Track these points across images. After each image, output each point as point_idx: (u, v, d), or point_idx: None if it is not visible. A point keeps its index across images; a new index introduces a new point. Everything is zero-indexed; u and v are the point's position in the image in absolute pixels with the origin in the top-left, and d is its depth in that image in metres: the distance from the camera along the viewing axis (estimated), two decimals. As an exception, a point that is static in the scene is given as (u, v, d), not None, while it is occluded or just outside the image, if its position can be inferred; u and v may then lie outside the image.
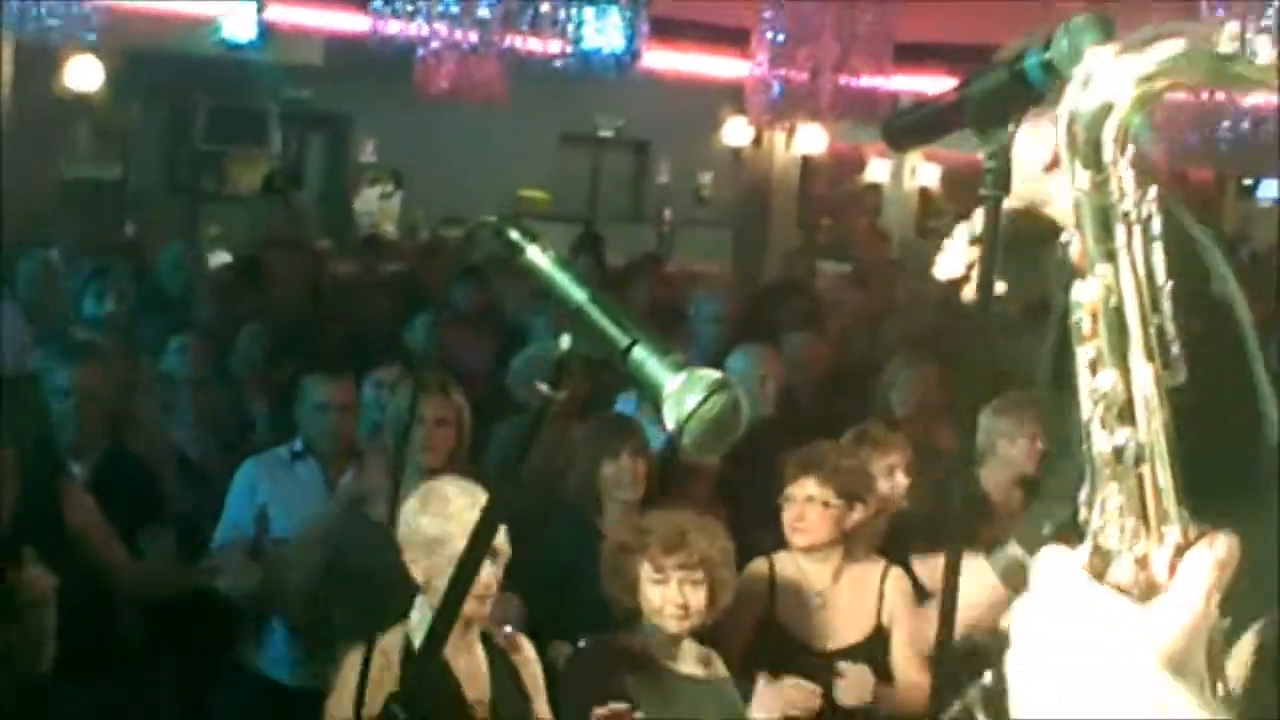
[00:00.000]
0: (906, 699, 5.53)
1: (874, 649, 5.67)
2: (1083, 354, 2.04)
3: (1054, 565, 1.91)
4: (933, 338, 9.07)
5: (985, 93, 2.64)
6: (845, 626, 5.68)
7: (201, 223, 17.89)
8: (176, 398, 7.69)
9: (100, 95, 15.17)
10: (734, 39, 15.41)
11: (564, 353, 2.33)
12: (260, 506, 6.48)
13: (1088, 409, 2.03)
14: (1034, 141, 4.04)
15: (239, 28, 14.10)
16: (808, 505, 5.59)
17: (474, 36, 12.00)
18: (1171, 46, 2.01)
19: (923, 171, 22.38)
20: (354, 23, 13.96)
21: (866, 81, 14.26)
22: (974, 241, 4.48)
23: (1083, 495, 2.03)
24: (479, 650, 4.67)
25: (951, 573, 2.78)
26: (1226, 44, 2.02)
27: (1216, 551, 1.90)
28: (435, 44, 12.26)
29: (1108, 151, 2.04)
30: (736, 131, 19.22)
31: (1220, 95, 11.73)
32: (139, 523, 6.21)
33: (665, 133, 20.86)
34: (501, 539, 4.41)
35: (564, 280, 2.32)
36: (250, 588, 6.12)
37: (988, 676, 1.87)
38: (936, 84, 16.21)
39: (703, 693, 5.00)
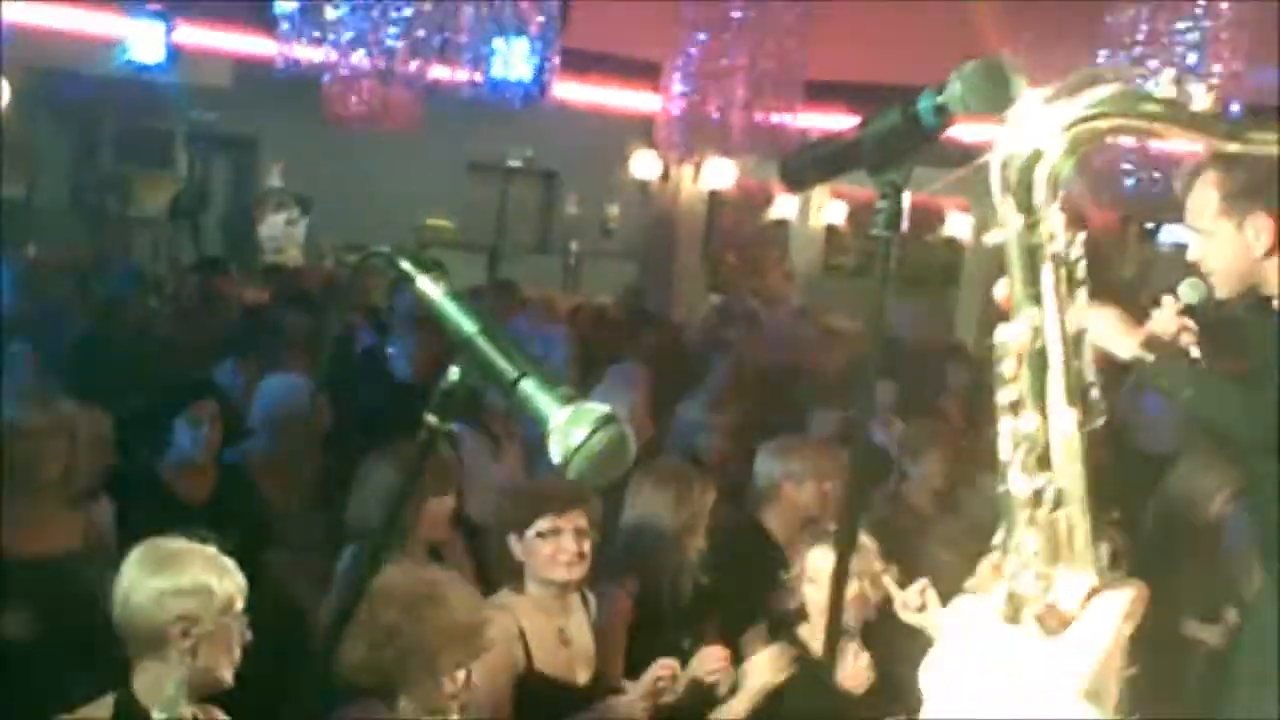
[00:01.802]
0: None
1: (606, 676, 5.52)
2: (1004, 396, 2.05)
3: (966, 613, 1.92)
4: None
5: (879, 134, 2.66)
6: (586, 659, 5.49)
7: (106, 244, 17.72)
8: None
9: (6, 114, 15.03)
10: (645, 72, 15.48)
11: (452, 384, 2.32)
12: None
13: (1006, 452, 2.04)
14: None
15: (147, 49, 14.00)
16: (580, 538, 5.32)
17: (382, 64, 11.96)
18: (1104, 91, 2.03)
19: (830, 209, 22.46)
20: (262, 46, 13.91)
21: (776, 118, 14.35)
22: (1182, 311, 4.61)
23: (998, 538, 2.04)
24: None
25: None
26: (1163, 90, 2.04)
27: (1127, 594, 1.92)
28: (344, 70, 12.20)
29: (1039, 195, 2.07)
30: (645, 165, 19.28)
31: (1127, 140, 11.87)
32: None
33: (574, 164, 20.85)
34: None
35: (454, 312, 2.31)
36: None
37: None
38: (845, 122, 16.34)
39: None
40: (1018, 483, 2.01)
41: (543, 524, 5.25)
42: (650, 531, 5.94)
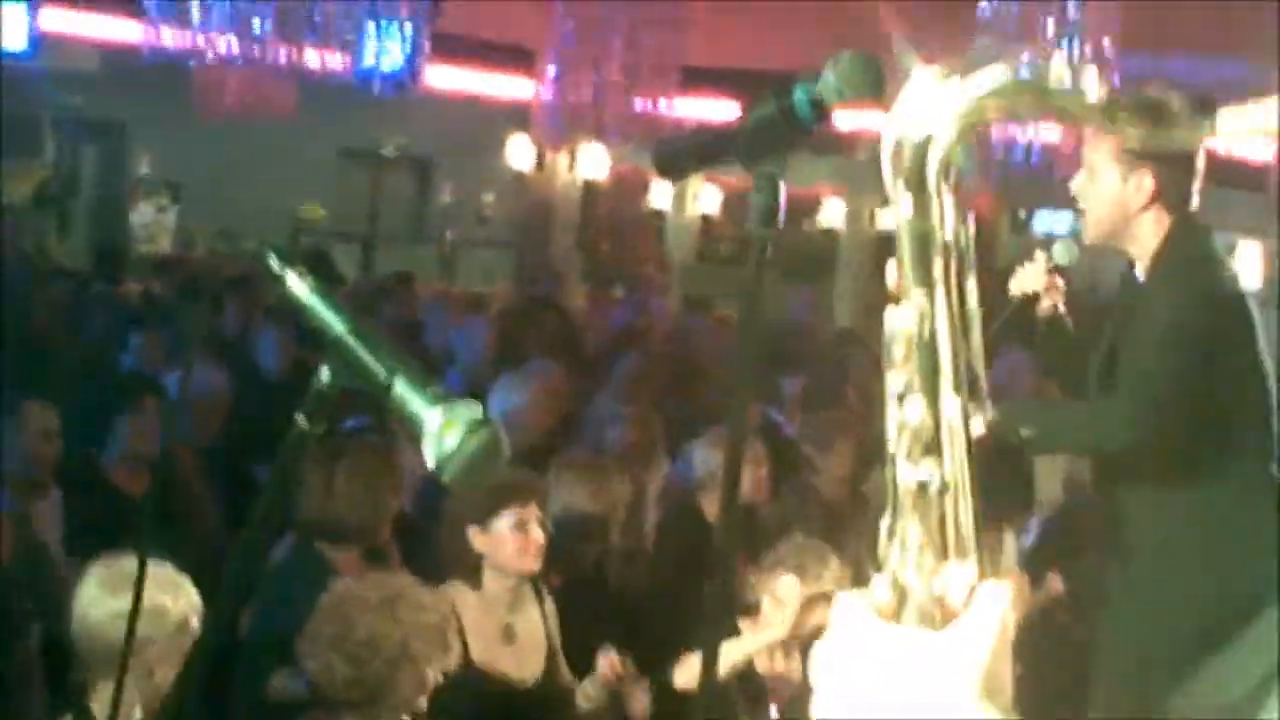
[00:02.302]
0: None
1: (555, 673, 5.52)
2: (892, 383, 2.01)
3: (849, 609, 1.87)
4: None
5: (753, 125, 2.62)
6: (533, 655, 5.49)
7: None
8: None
9: None
10: (519, 59, 15.40)
11: (323, 385, 2.24)
12: None
13: (893, 439, 2.00)
14: None
15: (11, 36, 13.73)
16: (541, 528, 5.35)
17: (252, 51, 11.80)
18: (998, 76, 1.99)
19: (705, 197, 22.49)
20: (129, 31, 13.71)
21: (652, 104, 14.32)
22: (1052, 269, 4.72)
23: (883, 526, 1.99)
24: None
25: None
26: (1054, 78, 2.01)
27: (1009, 586, 1.88)
28: (212, 57, 12.04)
29: (931, 179, 2.02)
30: (520, 153, 19.21)
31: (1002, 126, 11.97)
32: None
33: (448, 152, 20.73)
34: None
35: (323, 310, 2.24)
36: None
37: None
38: (721, 108, 16.40)
39: None
40: (903, 471, 1.98)
41: (510, 515, 5.25)
42: (573, 523, 6.03)
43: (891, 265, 2.08)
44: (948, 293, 2.01)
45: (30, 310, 9.90)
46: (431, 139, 20.03)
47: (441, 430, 2.07)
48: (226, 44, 11.72)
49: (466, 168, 21.05)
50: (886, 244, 2.21)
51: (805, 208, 21.73)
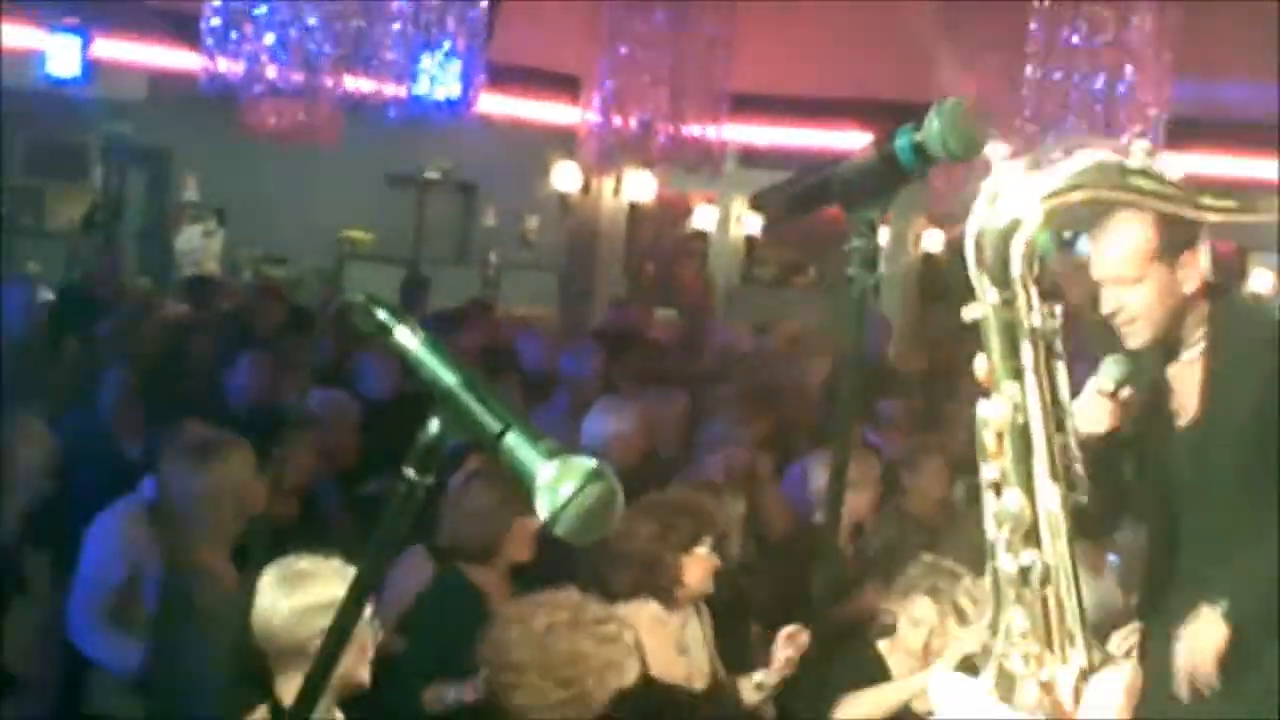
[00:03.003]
0: None
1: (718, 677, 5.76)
2: (987, 473, 2.02)
3: (957, 694, 1.88)
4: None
5: (854, 172, 2.62)
6: (701, 664, 5.71)
7: (19, 258, 17.49)
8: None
9: (-82, 127, 14.81)
10: (565, 85, 15.42)
11: (432, 437, 2.26)
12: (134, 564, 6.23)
13: (992, 530, 2.00)
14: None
15: (63, 63, 13.81)
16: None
17: (304, 78, 11.83)
18: (1080, 161, 2.00)
19: (748, 220, 22.50)
20: (178, 59, 13.76)
21: (698, 130, 14.33)
22: (1104, 393, 4.37)
23: (986, 618, 2.00)
24: None
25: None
26: (1136, 159, 2.02)
27: (1124, 676, 1.88)
28: (259, 87, 12.07)
29: (1015, 268, 2.03)
30: (565, 176, 19.24)
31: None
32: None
33: (492, 176, 20.79)
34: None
35: (434, 363, 2.25)
36: None
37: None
38: (766, 134, 16.41)
39: None
40: (1004, 561, 1.98)
41: (708, 540, 5.59)
42: None
43: (980, 357, 2.10)
44: (1039, 381, 2.03)
45: (141, 342, 9.93)
46: (476, 163, 20.08)
47: (555, 482, 2.07)
48: (279, 72, 11.73)
49: (510, 192, 21.10)
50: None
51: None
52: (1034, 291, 2.03)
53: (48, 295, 13.85)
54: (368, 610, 4.15)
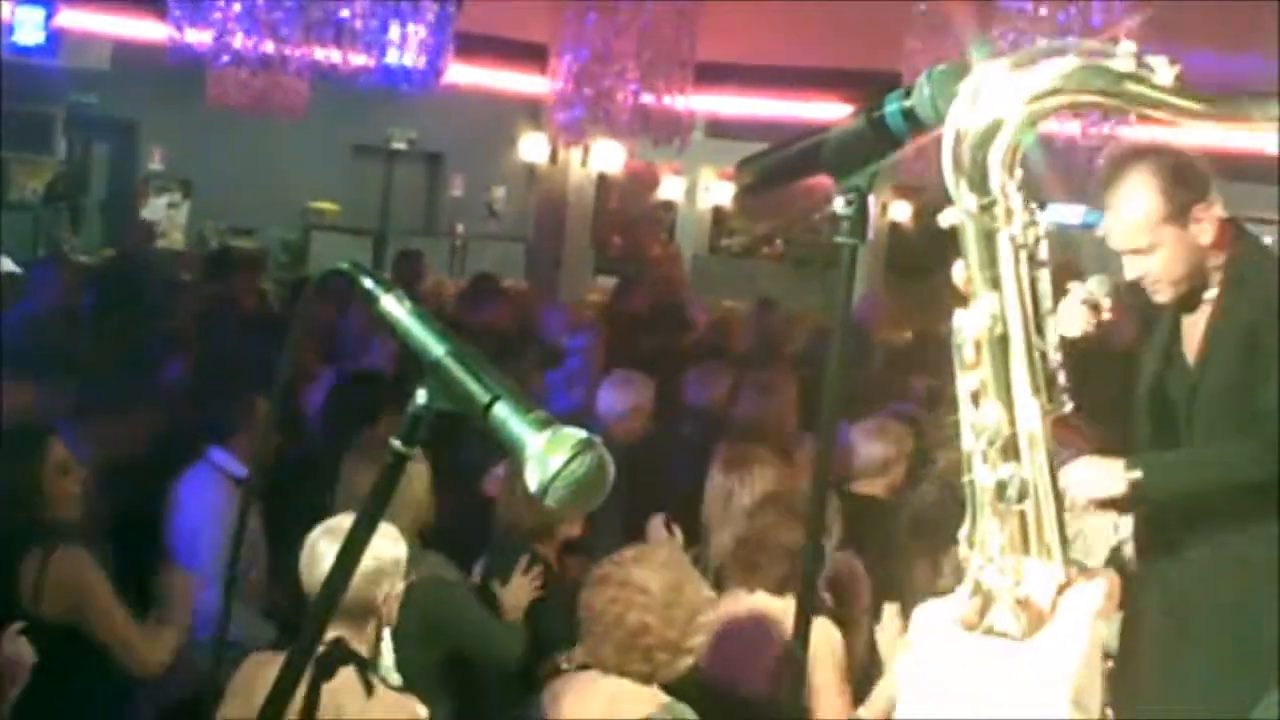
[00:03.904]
0: None
1: None
2: (964, 384, 1.98)
3: (931, 619, 1.86)
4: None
5: (844, 139, 2.60)
6: None
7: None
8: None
9: (-121, 98, 14.66)
10: (533, 55, 15.36)
11: (420, 407, 2.24)
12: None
13: (969, 442, 1.97)
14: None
15: (28, 32, 13.72)
16: None
17: (272, 49, 11.77)
18: (1066, 63, 1.95)
19: (716, 190, 22.50)
20: (143, 29, 13.67)
21: (666, 100, 14.29)
22: (1087, 304, 4.43)
23: (963, 531, 1.98)
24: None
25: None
26: (1123, 62, 1.97)
27: (1100, 586, 1.86)
28: (226, 57, 12.00)
29: (995, 174, 1.98)
30: (533, 147, 19.21)
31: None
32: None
33: (460, 146, 20.76)
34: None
35: (422, 332, 2.23)
36: None
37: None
38: (734, 104, 16.38)
39: None
40: (981, 474, 1.96)
41: None
42: None
43: (959, 265, 2.06)
44: (1019, 291, 1.99)
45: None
46: (443, 134, 20.04)
47: (544, 453, 2.06)
48: (246, 43, 11.66)
49: (477, 162, 21.07)
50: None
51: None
52: (1015, 197, 1.98)
53: (11, 266, 13.82)
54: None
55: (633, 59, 14.02)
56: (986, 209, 2.01)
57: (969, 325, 2.00)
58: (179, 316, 10.03)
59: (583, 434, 2.08)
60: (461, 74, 14.66)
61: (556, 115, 14.32)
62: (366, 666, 4.45)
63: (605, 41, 13.86)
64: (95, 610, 5.52)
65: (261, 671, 4.41)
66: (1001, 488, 1.95)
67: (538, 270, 18.56)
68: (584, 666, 4.71)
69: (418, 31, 12.16)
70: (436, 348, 2.20)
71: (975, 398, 2.00)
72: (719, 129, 17.85)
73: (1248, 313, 4.43)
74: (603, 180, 20.02)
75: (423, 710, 4.59)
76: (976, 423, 1.99)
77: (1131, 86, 1.96)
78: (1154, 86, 1.96)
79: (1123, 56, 1.98)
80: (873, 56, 13.10)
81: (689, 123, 14.87)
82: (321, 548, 4.44)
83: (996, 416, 1.97)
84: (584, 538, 6.44)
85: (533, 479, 2.06)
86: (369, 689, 4.44)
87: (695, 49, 14.39)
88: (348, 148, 20.35)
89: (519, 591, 5.94)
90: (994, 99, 1.98)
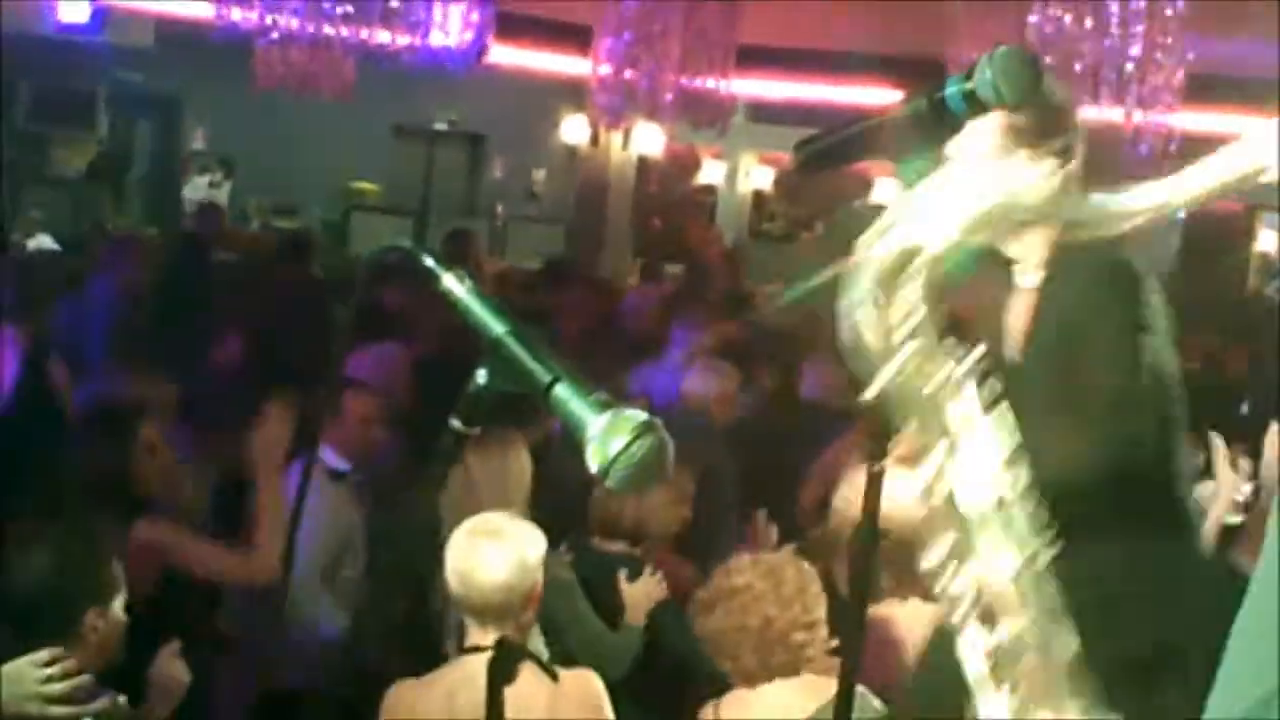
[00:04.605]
0: None
1: None
2: (933, 554, 1.86)
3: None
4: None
5: (903, 122, 2.57)
6: None
7: (24, 205, 17.43)
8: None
9: (-77, 73, 14.69)
10: (576, 36, 15.35)
11: (480, 387, 2.23)
12: None
13: (950, 614, 1.85)
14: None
15: (73, 10, 13.76)
16: None
17: (317, 28, 11.79)
18: (980, 201, 1.82)
19: (757, 174, 22.45)
20: (187, 6, 13.69)
21: (708, 83, 14.29)
22: None
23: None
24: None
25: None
26: (1042, 185, 1.85)
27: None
28: (275, 35, 12.03)
29: (904, 327, 1.84)
30: (574, 129, 19.19)
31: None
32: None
33: (501, 128, 20.73)
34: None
35: (482, 311, 2.22)
36: None
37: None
38: (776, 88, 16.34)
39: None
40: (972, 649, 1.84)
41: None
42: None
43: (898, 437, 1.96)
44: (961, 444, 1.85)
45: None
46: (485, 115, 20.02)
47: (605, 435, 2.05)
48: (292, 21, 11.68)
49: (518, 144, 21.05)
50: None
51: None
52: (933, 347, 1.85)
53: (51, 244, 13.87)
54: None
55: (676, 42, 14.01)
56: (919, 368, 1.87)
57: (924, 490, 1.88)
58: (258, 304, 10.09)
59: (643, 416, 2.07)
60: (504, 55, 14.67)
61: (598, 97, 14.32)
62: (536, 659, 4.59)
63: (648, 24, 13.85)
64: (185, 557, 5.62)
65: (406, 697, 4.50)
66: (996, 651, 1.84)
67: (577, 253, 18.54)
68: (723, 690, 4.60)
69: (462, 12, 12.15)
70: (497, 327, 2.19)
71: (942, 566, 1.86)
72: (760, 113, 17.81)
73: (1069, 293, 4.00)
74: (643, 163, 19.97)
75: (598, 679, 4.71)
76: (953, 594, 1.86)
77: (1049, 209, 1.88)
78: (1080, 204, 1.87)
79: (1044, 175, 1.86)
80: (915, 41, 13.03)
81: (730, 106, 14.87)
82: (486, 550, 4.52)
83: (972, 580, 1.85)
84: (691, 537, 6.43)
85: (593, 461, 2.05)
86: (553, 676, 4.54)
87: (738, 32, 14.37)
88: (389, 128, 20.33)
89: (641, 595, 5.86)
90: (910, 230, 1.84)
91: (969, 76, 2.48)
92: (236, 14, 11.80)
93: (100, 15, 13.95)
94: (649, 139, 18.79)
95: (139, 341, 7.62)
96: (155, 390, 6.62)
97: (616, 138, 18.63)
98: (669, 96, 14.24)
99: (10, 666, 3.18)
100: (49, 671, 3.14)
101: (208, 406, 7.42)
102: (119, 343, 7.41)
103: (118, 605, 4.28)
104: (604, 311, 11.09)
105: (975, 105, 2.48)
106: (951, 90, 2.50)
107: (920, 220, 1.77)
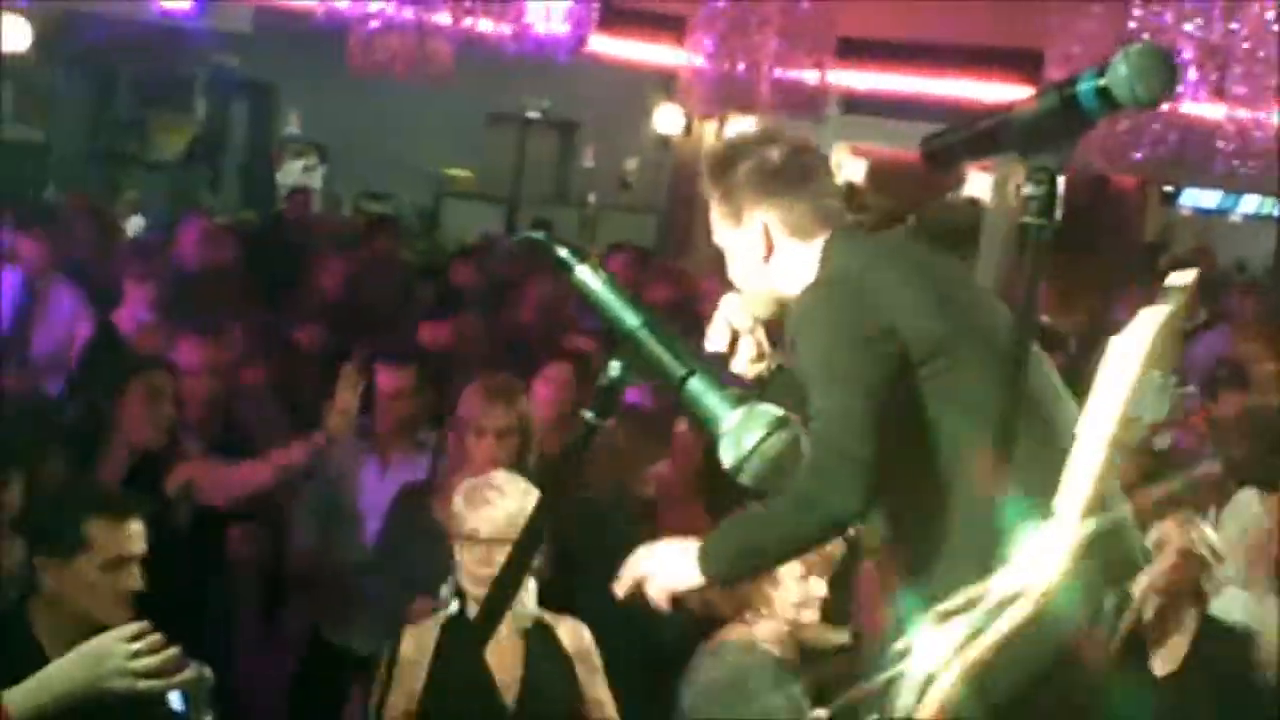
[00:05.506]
0: None
1: None
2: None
3: None
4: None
5: (1033, 117, 2.56)
6: None
7: (121, 188, 17.58)
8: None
9: (28, 57, 14.81)
10: (671, 26, 15.33)
11: (613, 379, 2.24)
12: None
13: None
14: None
15: (175, -3, 13.85)
16: None
17: (417, 15, 11.83)
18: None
19: (849, 166, 22.33)
20: (292, -7, 13.75)
21: (804, 75, 14.24)
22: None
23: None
24: (507, 631, 4.57)
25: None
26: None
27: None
28: (373, 23, 12.08)
29: None
30: (668, 119, 19.14)
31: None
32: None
33: (594, 116, 20.72)
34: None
35: (616, 304, 2.23)
36: None
37: None
38: (874, 80, 16.24)
39: None
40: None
41: None
42: None
43: None
44: None
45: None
46: (576, 103, 20.01)
47: (739, 429, 2.05)
48: (396, 9, 11.73)
49: (611, 133, 21.02)
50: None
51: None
52: None
53: (141, 223, 14.00)
54: None
55: (771, 34, 13.97)
56: None
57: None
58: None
59: (778, 411, 2.07)
60: (598, 44, 14.66)
61: (693, 88, 14.31)
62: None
63: (744, 14, 13.83)
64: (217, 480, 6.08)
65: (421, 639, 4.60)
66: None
67: (667, 243, 18.51)
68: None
69: (562, 0, 12.17)
70: (632, 319, 2.20)
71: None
72: (853, 104, 17.72)
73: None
74: (737, 154, 19.89)
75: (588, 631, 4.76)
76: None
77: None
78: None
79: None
80: (1012, 33, 12.99)
81: (824, 98, 14.81)
82: (489, 496, 4.66)
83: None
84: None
85: (727, 455, 2.06)
86: (545, 627, 4.67)
87: (834, 23, 14.32)
88: (482, 115, 20.36)
89: None
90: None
91: (1102, 72, 2.47)
92: (341, 3, 11.85)
93: (201, 2, 14.00)
94: (742, 130, 18.73)
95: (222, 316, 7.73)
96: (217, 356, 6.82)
97: (710, 128, 18.59)
98: (763, 87, 14.19)
99: (95, 643, 3.21)
100: (136, 646, 3.16)
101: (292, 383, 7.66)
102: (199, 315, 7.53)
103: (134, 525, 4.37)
104: (686, 297, 11.00)
105: (1108, 102, 2.46)
106: (1085, 87, 2.48)
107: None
